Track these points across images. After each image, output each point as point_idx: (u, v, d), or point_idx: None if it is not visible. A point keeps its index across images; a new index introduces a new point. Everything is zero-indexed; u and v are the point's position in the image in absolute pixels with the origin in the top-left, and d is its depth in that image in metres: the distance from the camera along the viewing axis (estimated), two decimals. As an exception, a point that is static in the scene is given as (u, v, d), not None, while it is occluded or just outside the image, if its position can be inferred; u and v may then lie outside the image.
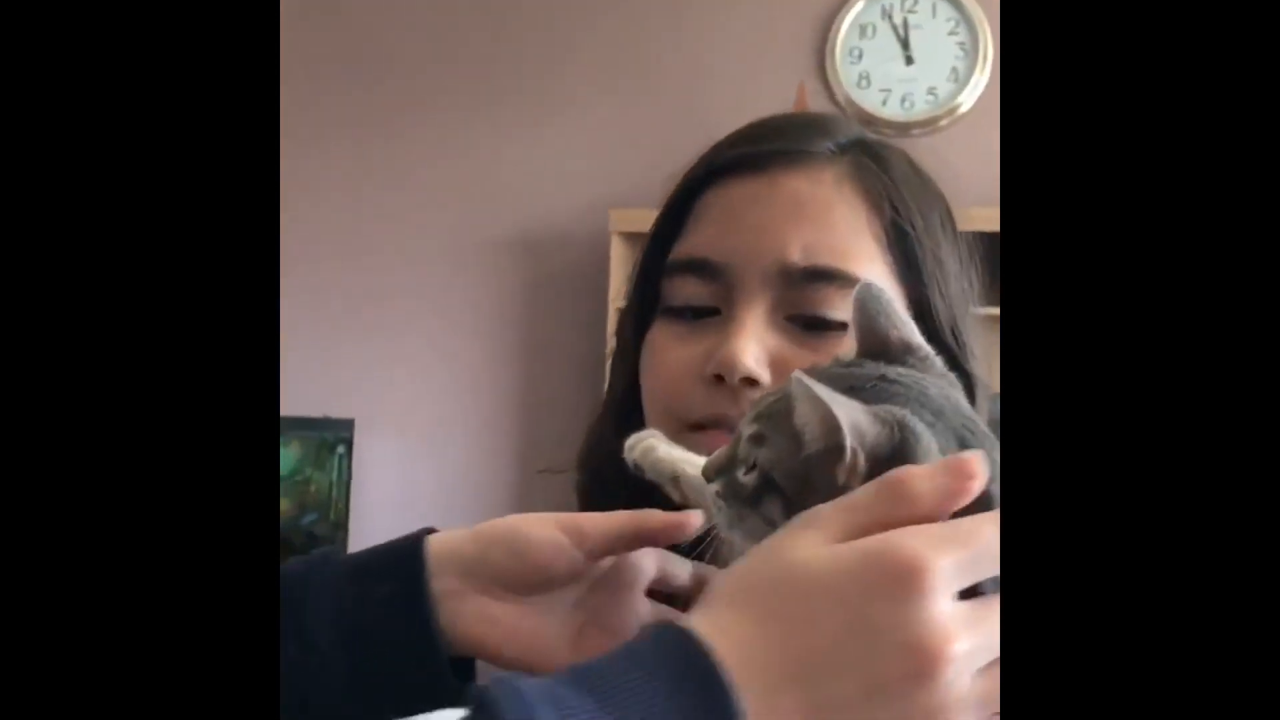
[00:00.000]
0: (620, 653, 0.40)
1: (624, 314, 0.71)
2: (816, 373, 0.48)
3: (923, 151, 0.71)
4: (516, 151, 2.95)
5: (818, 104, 2.87)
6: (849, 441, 0.45)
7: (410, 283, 2.90)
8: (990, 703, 0.42)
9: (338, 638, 0.58)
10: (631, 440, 0.57)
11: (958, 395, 0.50)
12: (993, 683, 0.42)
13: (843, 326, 0.59)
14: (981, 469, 0.43)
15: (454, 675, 0.55)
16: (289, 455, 2.75)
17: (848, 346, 0.54)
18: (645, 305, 0.68)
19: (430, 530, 0.60)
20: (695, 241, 0.66)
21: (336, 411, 2.80)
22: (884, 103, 2.88)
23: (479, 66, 3.01)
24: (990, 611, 0.42)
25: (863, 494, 0.43)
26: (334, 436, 2.78)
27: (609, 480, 0.63)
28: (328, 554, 0.60)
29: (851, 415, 0.45)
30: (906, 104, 2.87)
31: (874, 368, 0.50)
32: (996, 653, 0.42)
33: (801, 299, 0.60)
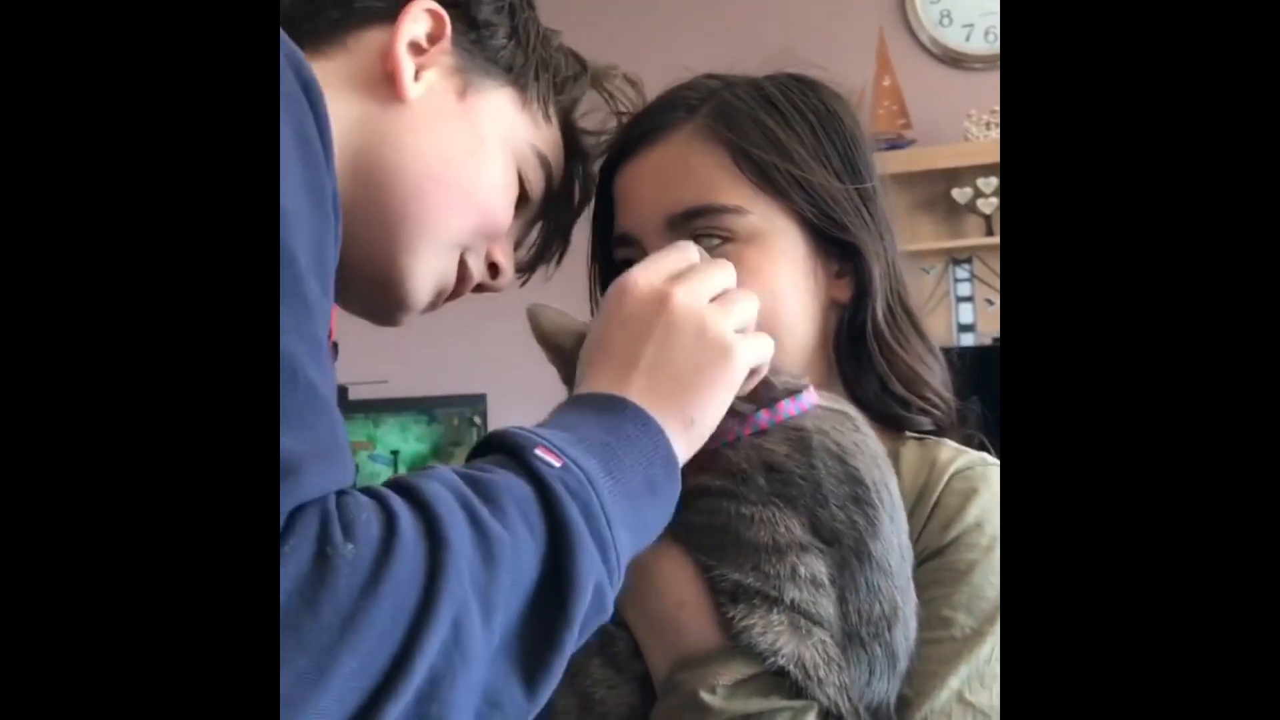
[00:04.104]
0: (562, 408, 0.62)
1: (591, 277, 0.91)
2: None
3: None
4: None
5: (901, 46, 2.92)
6: (560, 342, 0.71)
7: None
8: (758, 348, 0.66)
9: None
10: (530, 306, 0.74)
11: None
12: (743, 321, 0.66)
13: (725, 240, 0.78)
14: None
15: None
16: (435, 431, 2.96)
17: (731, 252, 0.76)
18: (608, 270, 0.87)
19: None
20: (620, 220, 0.83)
21: (469, 388, 2.99)
22: (968, 38, 2.91)
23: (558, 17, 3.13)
24: (680, 255, 0.69)
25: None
26: (471, 411, 2.98)
27: None
28: None
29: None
30: (990, 36, 2.90)
31: None
32: (723, 283, 0.67)
33: (691, 233, 0.78)
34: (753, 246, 0.78)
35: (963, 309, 2.86)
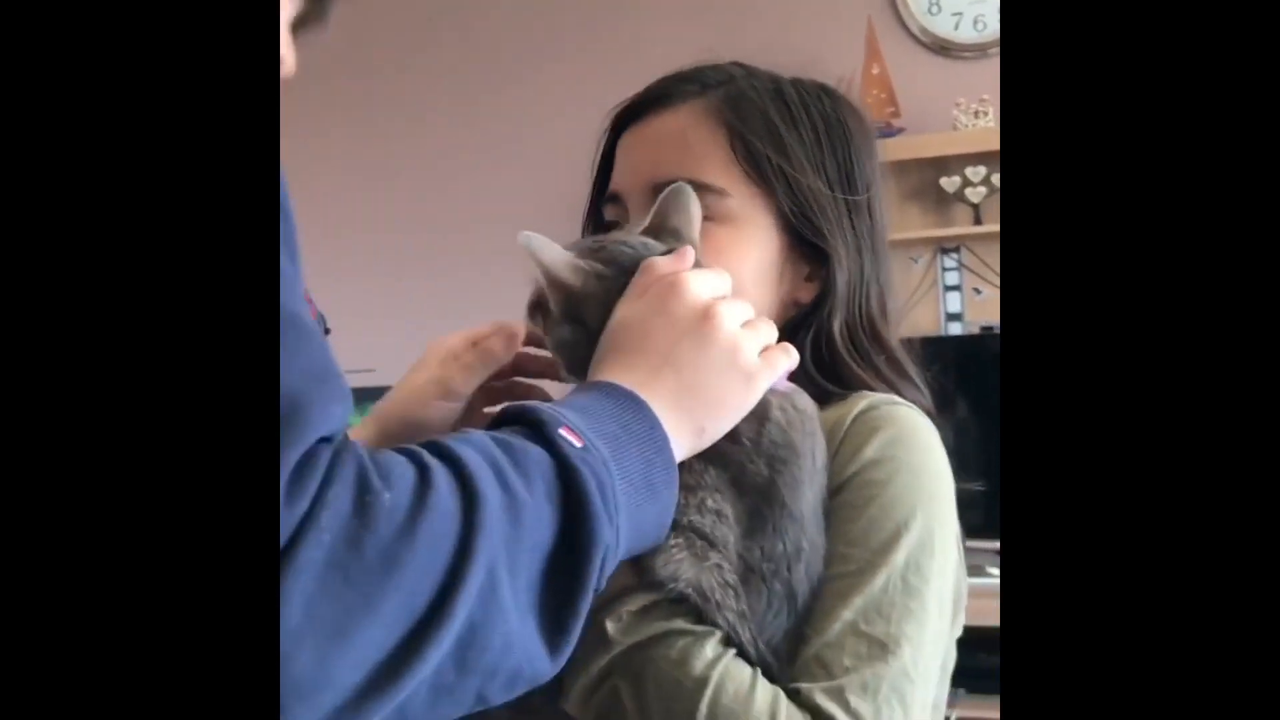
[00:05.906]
0: (581, 391, 0.64)
1: (585, 230, 0.91)
2: (575, 244, 0.75)
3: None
4: (587, 97, 3.06)
5: (890, 35, 2.91)
6: (567, 278, 0.71)
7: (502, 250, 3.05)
8: (774, 365, 0.67)
9: None
10: (523, 236, 0.73)
11: (656, 246, 0.73)
12: (773, 351, 0.68)
13: (705, 218, 0.78)
14: (683, 255, 0.70)
15: None
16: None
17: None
18: (599, 229, 0.88)
19: None
20: (615, 176, 0.86)
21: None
22: (956, 26, 2.91)
23: (550, 8, 3.12)
24: (721, 279, 0.70)
25: (637, 279, 0.70)
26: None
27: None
28: None
29: (558, 260, 0.71)
30: (979, 25, 2.90)
31: (604, 238, 0.75)
32: (750, 312, 0.69)
33: None
34: (726, 228, 0.79)
35: (950, 298, 2.86)
